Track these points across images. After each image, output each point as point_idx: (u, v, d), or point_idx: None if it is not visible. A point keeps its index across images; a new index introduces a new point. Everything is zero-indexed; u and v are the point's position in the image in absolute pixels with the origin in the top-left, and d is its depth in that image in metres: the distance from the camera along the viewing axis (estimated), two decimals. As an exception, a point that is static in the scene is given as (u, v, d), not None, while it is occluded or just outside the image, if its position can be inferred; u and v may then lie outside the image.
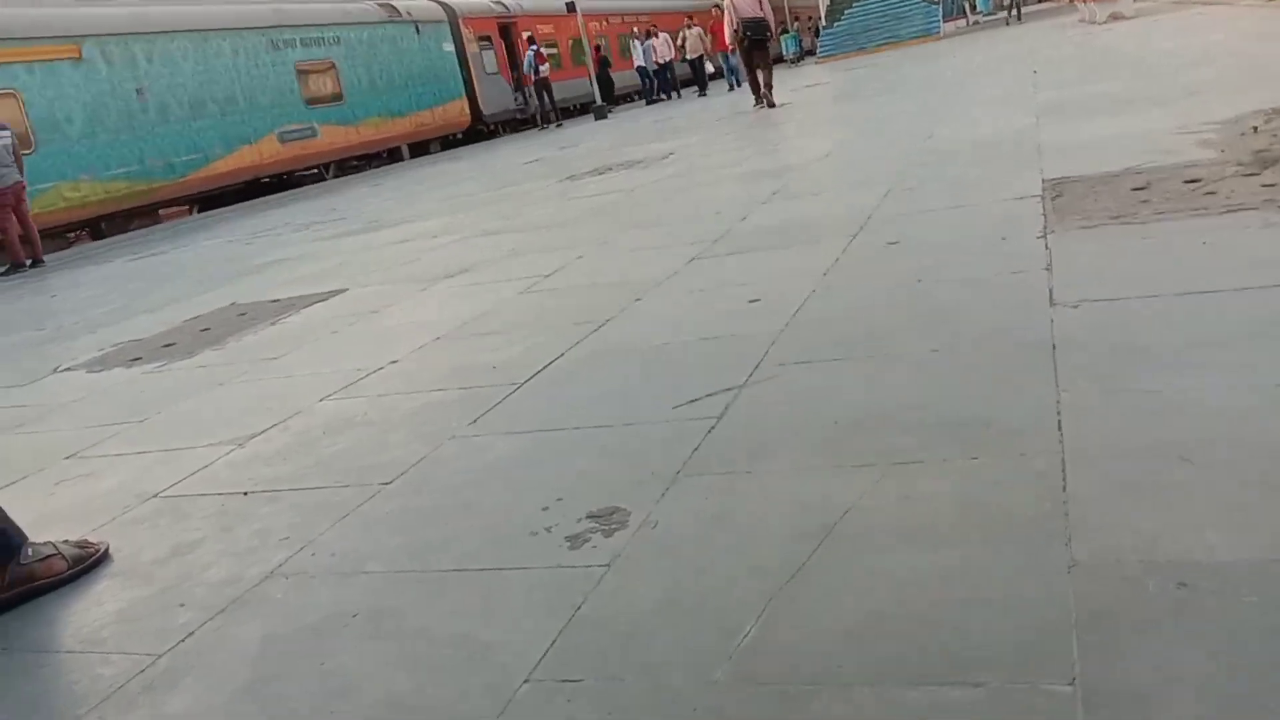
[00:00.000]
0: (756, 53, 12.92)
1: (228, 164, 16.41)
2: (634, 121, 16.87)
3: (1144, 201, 3.39)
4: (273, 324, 4.50)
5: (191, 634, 1.69)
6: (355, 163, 19.73)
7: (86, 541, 2.16)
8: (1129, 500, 1.50)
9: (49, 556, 2.06)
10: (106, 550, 2.15)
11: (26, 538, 2.07)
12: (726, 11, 13.41)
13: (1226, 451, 1.59)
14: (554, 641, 1.44)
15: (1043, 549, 1.41)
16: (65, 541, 2.13)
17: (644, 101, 24.61)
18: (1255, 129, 4.35)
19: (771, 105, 12.76)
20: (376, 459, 2.38)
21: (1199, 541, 1.36)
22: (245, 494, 2.33)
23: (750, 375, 2.42)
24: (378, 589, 1.72)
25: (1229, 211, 3.04)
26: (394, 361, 3.30)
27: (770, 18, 13.30)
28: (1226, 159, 3.82)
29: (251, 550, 2.00)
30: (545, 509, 1.89)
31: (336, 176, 18.76)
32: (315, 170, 18.76)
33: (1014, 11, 27.56)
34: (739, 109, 13.91)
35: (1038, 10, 35.26)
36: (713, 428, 2.14)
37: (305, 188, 17.45)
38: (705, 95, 21.44)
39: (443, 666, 1.44)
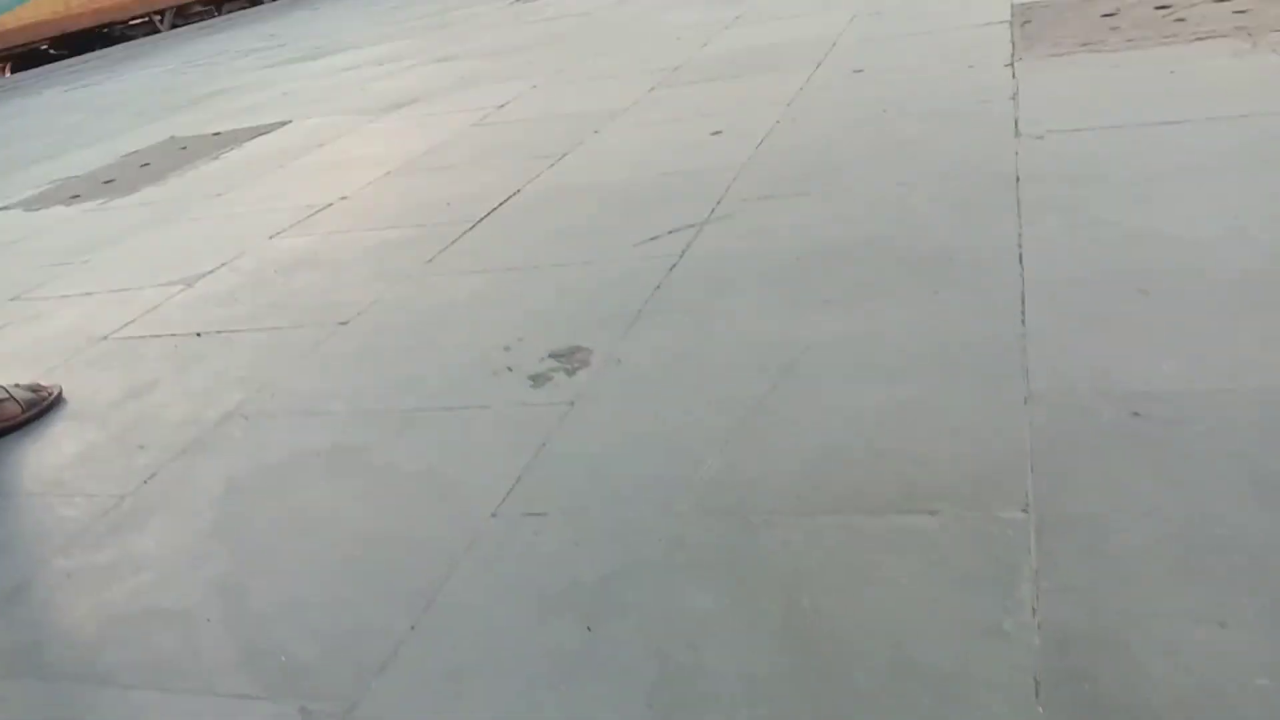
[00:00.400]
0: None
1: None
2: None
3: (1113, 29, 3.31)
4: (215, 159, 4.33)
5: (154, 475, 1.69)
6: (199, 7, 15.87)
7: (39, 385, 2.12)
8: (1086, 332, 1.51)
9: (1, 401, 2.03)
10: (60, 393, 2.12)
11: None
12: None
13: (1184, 282, 1.60)
14: (519, 477, 1.45)
15: (1000, 381, 1.43)
16: (16, 385, 2.09)
17: None
18: (1230, -50, 4.22)
19: None
20: (331, 298, 2.34)
21: (1154, 371, 1.38)
22: (198, 335, 2.29)
23: (712, 211, 2.38)
24: (340, 428, 1.72)
25: (1198, 39, 2.98)
26: (344, 198, 3.20)
27: None
28: (1199, -18, 3.71)
29: (208, 391, 1.97)
30: (507, 348, 1.88)
31: (175, 27, 15.39)
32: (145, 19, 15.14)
33: None
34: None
35: None
36: (674, 265, 2.11)
37: (239, 13, 16.49)
38: None
39: (409, 502, 1.45)
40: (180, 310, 2.47)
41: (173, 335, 2.32)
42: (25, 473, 1.81)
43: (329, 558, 1.36)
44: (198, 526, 1.51)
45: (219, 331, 2.28)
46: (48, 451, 1.87)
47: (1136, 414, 1.29)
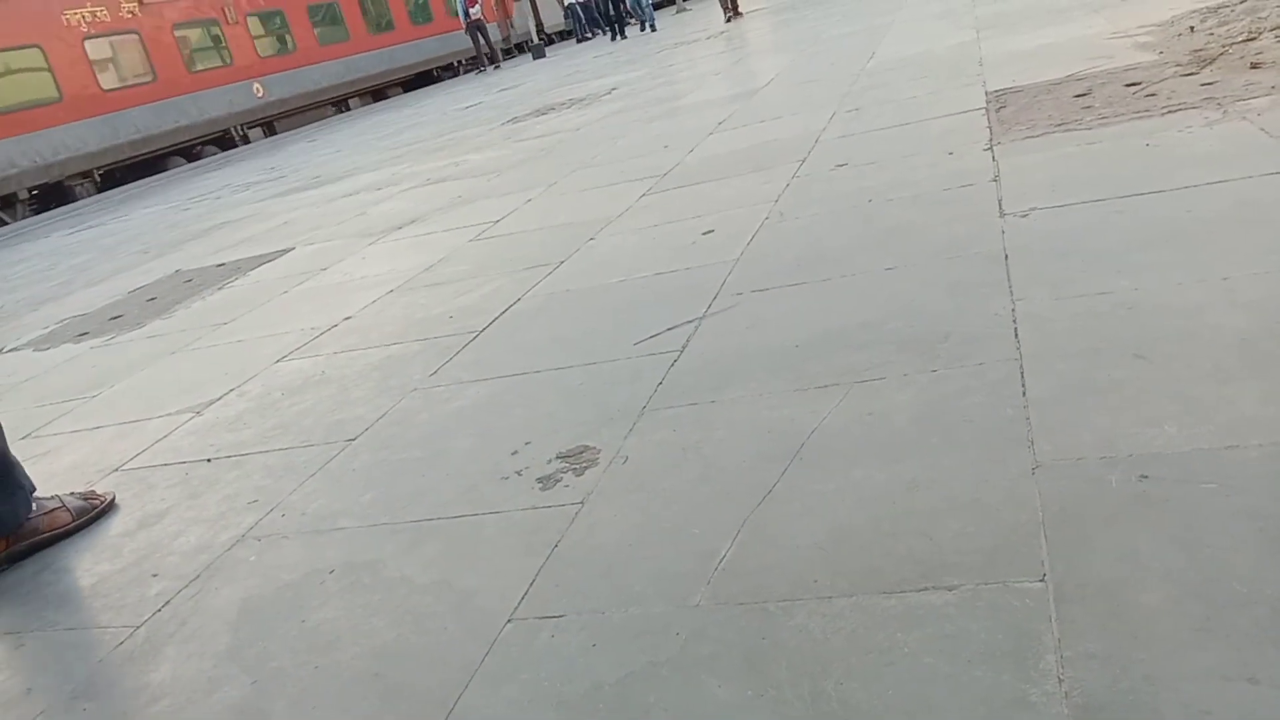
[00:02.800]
0: None
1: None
2: (572, 59, 16.58)
3: (1086, 107, 3.41)
4: (220, 288, 4.41)
5: (168, 603, 1.68)
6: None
7: (92, 493, 2.18)
8: (1087, 400, 1.53)
9: (53, 510, 2.08)
10: (113, 500, 2.18)
11: (34, 488, 2.10)
12: None
13: (1178, 346, 1.62)
14: (533, 581, 1.45)
15: (1006, 453, 1.44)
16: (71, 493, 2.15)
17: (574, 40, 23.09)
18: (1191, 29, 4.37)
19: (739, 14, 15.11)
20: (339, 416, 2.36)
21: (1157, 434, 1.39)
22: (209, 460, 2.30)
23: (709, 306, 2.42)
24: (352, 544, 1.72)
25: (1170, 112, 3.07)
26: (348, 318, 3.26)
27: None
28: (1165, 60, 3.85)
29: (220, 516, 1.98)
30: (514, 453, 1.89)
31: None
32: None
33: None
34: (679, 40, 13.72)
35: None
36: (675, 361, 2.14)
37: (241, 149, 17.00)
38: (622, 38, 18.63)
39: (425, 614, 1.44)
40: (190, 438, 2.49)
41: (183, 463, 2.33)
42: (41, 608, 1.80)
43: (347, 675, 1.35)
44: (214, 652, 1.50)
45: (229, 456, 2.29)
46: (61, 583, 1.87)
47: (1145, 476, 1.30)
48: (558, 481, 1.73)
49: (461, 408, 2.20)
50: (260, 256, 4.97)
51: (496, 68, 20.70)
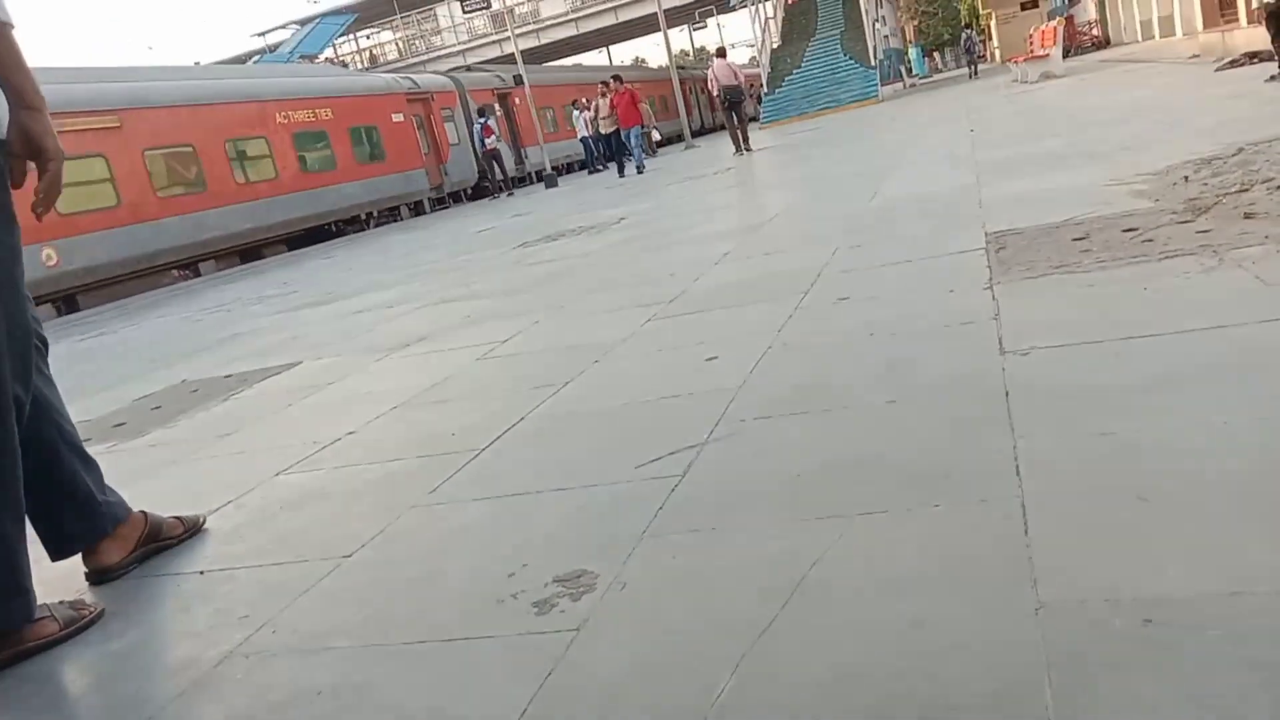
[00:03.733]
0: (734, 112, 16.81)
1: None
2: (583, 190, 17.06)
3: (1085, 251, 3.49)
4: (225, 400, 4.43)
5: (150, 719, 1.64)
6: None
7: (80, 602, 2.14)
8: (1090, 541, 1.52)
9: (41, 619, 2.04)
10: (101, 611, 2.14)
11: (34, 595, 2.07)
12: (709, 79, 17.65)
13: (1181, 489, 1.62)
14: (524, 710, 1.41)
15: (1009, 593, 1.42)
16: (60, 602, 2.12)
17: (586, 171, 23.50)
18: (1186, 179, 4.51)
19: (749, 150, 16.24)
20: (336, 532, 2.34)
21: (1161, 578, 1.38)
22: (201, 573, 2.27)
23: (711, 433, 2.43)
24: (343, 665, 1.68)
25: (1167, 258, 3.14)
26: (351, 433, 3.27)
27: (744, 84, 17.86)
28: (1162, 208, 3.95)
29: (210, 630, 1.94)
30: (511, 575, 1.87)
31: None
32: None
33: (974, 69, 34.72)
34: (689, 175, 14.14)
35: (963, 73, 37.50)
36: (675, 486, 2.14)
37: (254, 263, 17.34)
38: (620, 175, 19.08)
39: (412, 741, 1.40)
40: (183, 549, 2.46)
41: (175, 575, 2.30)
42: (15, 723, 1.75)
43: (328, 803, 1.30)
44: (192, 774, 1.45)
45: (222, 569, 2.27)
46: (46, 693, 1.82)
47: (1148, 620, 1.28)
48: (553, 606, 1.71)
49: (459, 526, 2.19)
50: (268, 369, 5.01)
51: (509, 194, 21.31)
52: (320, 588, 2.03)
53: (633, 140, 19.10)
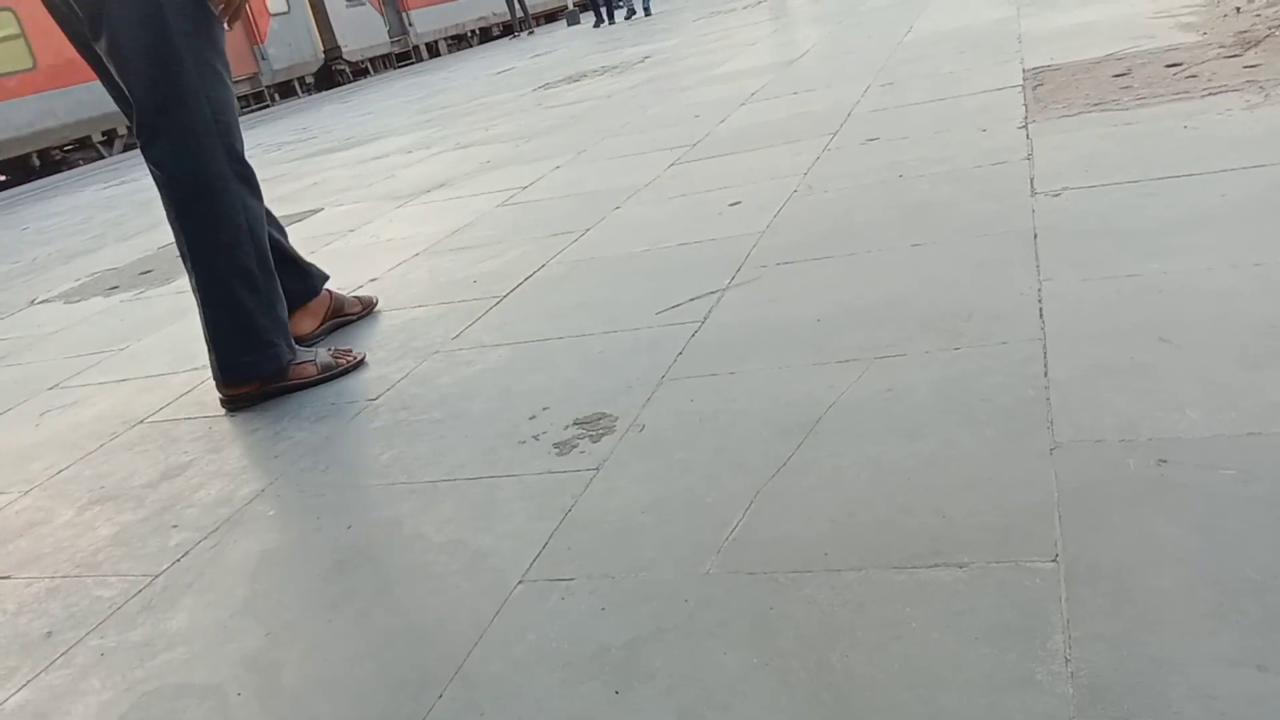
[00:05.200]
0: None
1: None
2: (606, 28, 16.45)
3: (1125, 88, 3.35)
4: (249, 247, 4.43)
5: (186, 553, 1.71)
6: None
7: (344, 350, 2.47)
8: (1110, 382, 1.51)
9: (303, 362, 2.38)
10: (362, 359, 2.46)
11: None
12: None
13: (1205, 331, 1.60)
14: (546, 544, 1.45)
15: (1025, 433, 1.43)
16: (330, 349, 2.46)
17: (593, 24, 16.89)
18: (1238, 9, 4.28)
19: None
20: (362, 376, 2.37)
21: (1179, 419, 1.37)
22: (231, 414, 2.33)
23: (733, 278, 2.41)
24: (371, 502, 1.73)
25: (1210, 94, 3.01)
26: (373, 279, 3.27)
27: None
28: (1208, 41, 3.76)
29: (242, 470, 2.00)
30: (532, 418, 1.90)
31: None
32: None
33: None
34: (715, 9, 13.58)
35: None
36: (696, 332, 2.14)
37: (273, 107, 17.05)
38: (609, 23, 16.08)
39: (439, 572, 1.46)
40: (213, 393, 2.51)
41: (206, 417, 2.36)
42: (60, 555, 1.84)
43: (360, 631, 1.37)
44: (231, 602, 1.52)
45: (250, 410, 2.32)
46: (83, 534, 1.90)
47: (1163, 460, 1.28)
48: (574, 447, 1.74)
49: (482, 371, 2.21)
50: (289, 216, 4.99)
51: (530, 33, 20.59)
52: (347, 429, 2.07)
53: None
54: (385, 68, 16.88)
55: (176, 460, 2.14)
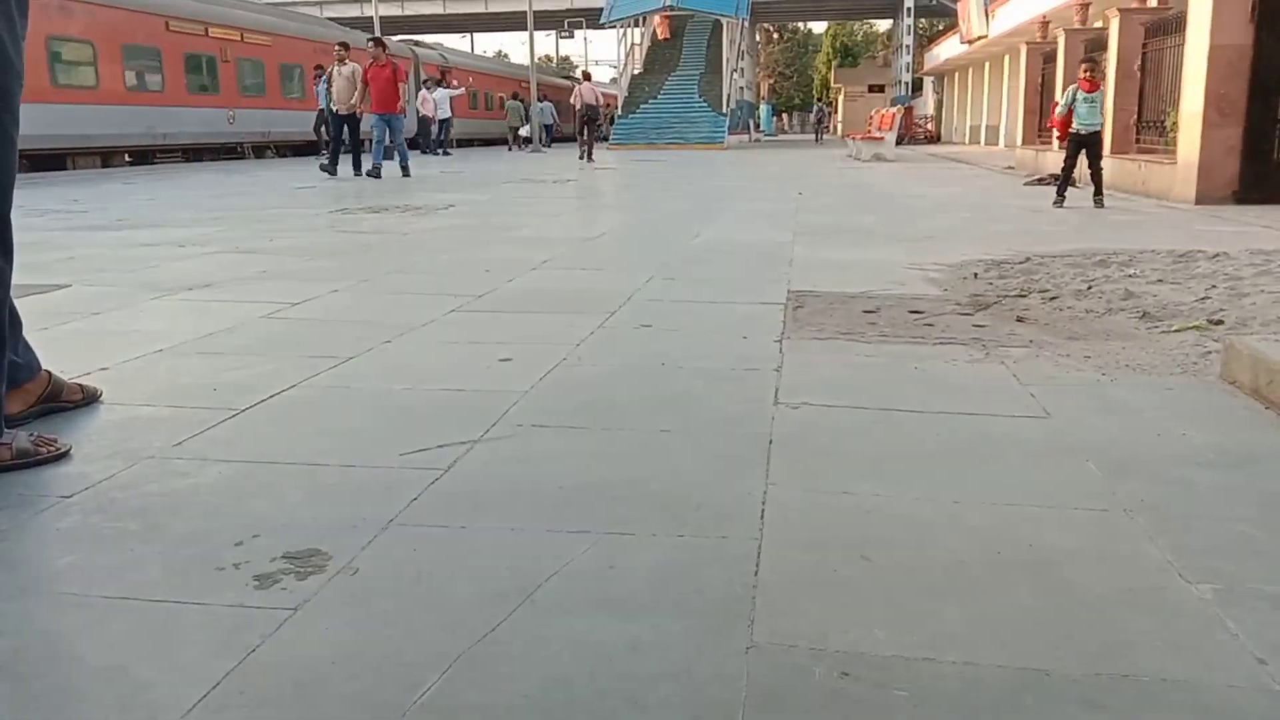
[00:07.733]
0: (588, 127, 20.55)
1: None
2: (422, 168, 16.64)
3: (871, 323, 3.69)
4: (-29, 310, 4.02)
5: None
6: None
7: (46, 439, 2.24)
8: (811, 591, 1.59)
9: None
10: (66, 452, 2.23)
11: None
12: (574, 95, 21.11)
13: (902, 555, 1.72)
14: (217, 684, 1.33)
15: (726, 629, 1.47)
16: (31, 435, 2.23)
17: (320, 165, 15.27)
18: (975, 275, 4.86)
19: (591, 161, 19.43)
20: (58, 470, 2.15)
21: (865, 635, 1.45)
22: (-112, 491, 2.04)
23: (486, 431, 2.40)
24: (32, 611, 1.54)
25: (941, 343, 3.36)
26: (103, 369, 3.03)
27: (601, 106, 22.16)
28: (947, 298, 4.24)
29: (-120, 555, 1.74)
30: (239, 544, 1.77)
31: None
32: None
33: (819, 136, 39.44)
34: (527, 177, 14.04)
35: (806, 138, 40.06)
36: (436, 479, 2.09)
37: (49, 173, 15.94)
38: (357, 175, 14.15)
39: (86, 701, 1.30)
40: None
41: None
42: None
43: (-33, 758, 1.18)
44: None
45: (-86, 490, 2.04)
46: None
47: (845, 673, 1.35)
48: (276, 582, 1.62)
49: (196, 485, 2.06)
50: (31, 286, 4.59)
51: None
52: (27, 530, 1.86)
53: (390, 132, 14.29)
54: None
55: None
